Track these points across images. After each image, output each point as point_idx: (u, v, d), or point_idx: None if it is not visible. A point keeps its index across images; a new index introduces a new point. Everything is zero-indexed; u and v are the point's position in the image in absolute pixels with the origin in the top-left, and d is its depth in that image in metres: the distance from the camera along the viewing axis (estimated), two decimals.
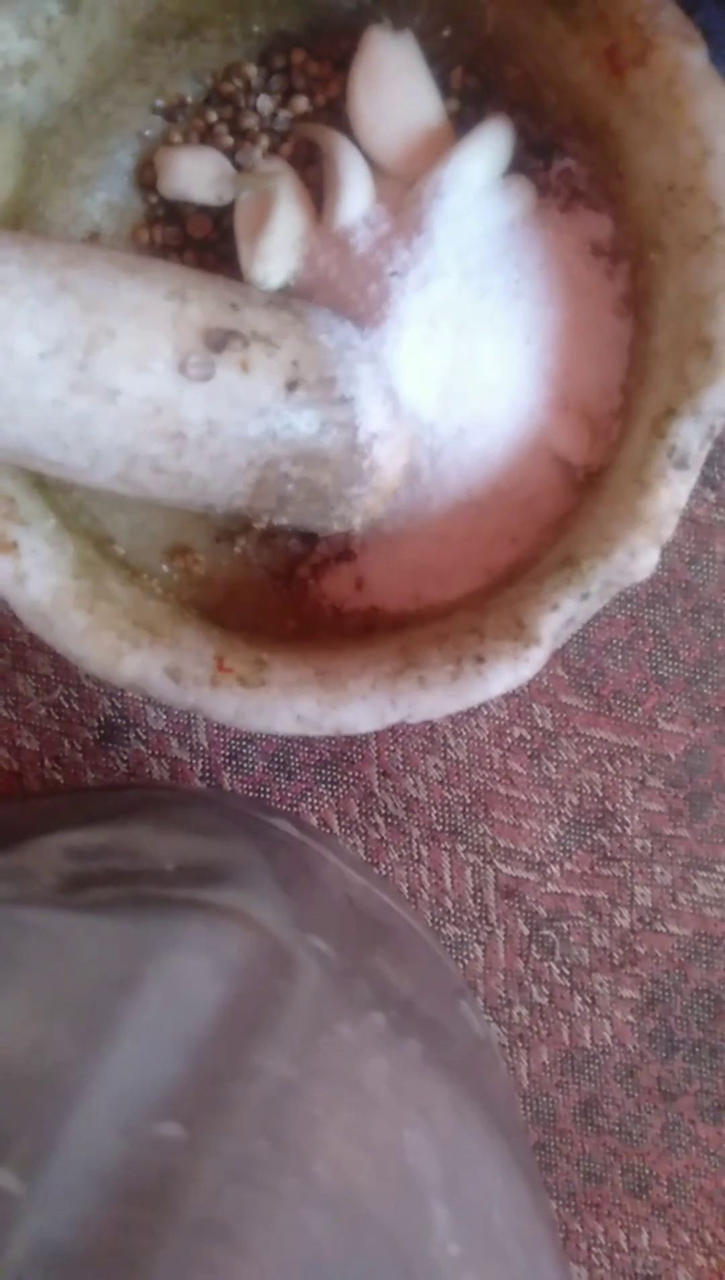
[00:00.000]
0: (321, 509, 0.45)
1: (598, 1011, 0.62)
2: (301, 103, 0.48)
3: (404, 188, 0.47)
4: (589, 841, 0.60)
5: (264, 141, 0.48)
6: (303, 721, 0.42)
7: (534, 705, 0.59)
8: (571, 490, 0.47)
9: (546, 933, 0.61)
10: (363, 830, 0.60)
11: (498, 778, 0.59)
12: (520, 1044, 0.62)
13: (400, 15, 0.47)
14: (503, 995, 0.62)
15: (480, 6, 0.46)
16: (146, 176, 0.49)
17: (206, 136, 0.49)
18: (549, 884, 0.60)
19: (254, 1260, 0.29)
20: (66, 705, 0.59)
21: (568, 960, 0.61)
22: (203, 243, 0.49)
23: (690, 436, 0.42)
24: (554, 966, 0.61)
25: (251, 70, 0.49)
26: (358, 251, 0.46)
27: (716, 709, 0.59)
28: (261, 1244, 0.30)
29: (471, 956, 0.61)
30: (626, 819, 0.60)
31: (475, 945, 0.61)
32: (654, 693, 0.59)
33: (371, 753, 0.59)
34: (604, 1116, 0.62)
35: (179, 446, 0.41)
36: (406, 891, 0.61)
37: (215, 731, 0.59)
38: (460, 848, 0.60)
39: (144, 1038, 0.33)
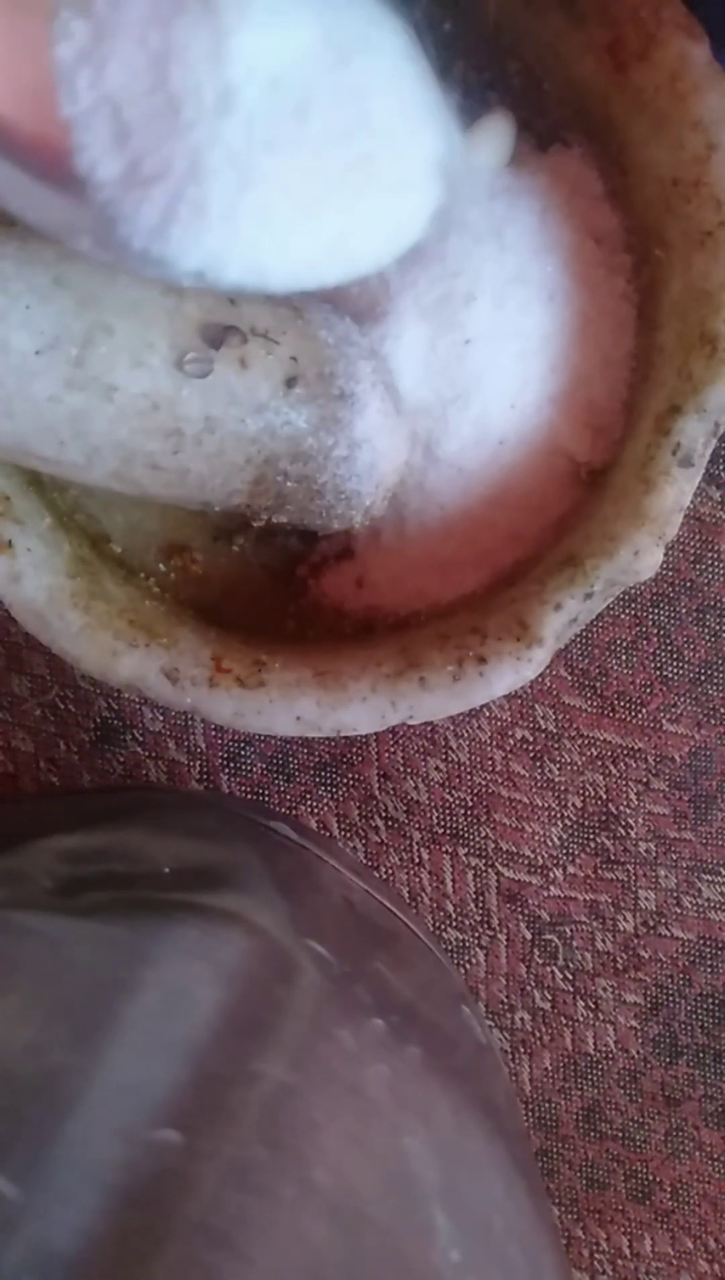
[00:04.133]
0: (321, 507, 0.44)
1: (601, 1017, 0.61)
2: None
3: None
4: (592, 845, 0.60)
5: None
6: (302, 723, 0.42)
7: (536, 706, 0.59)
8: (575, 488, 0.46)
9: (549, 937, 0.61)
10: (363, 833, 0.60)
11: (500, 780, 0.59)
12: (523, 1049, 0.62)
13: (400, 8, 0.47)
14: (505, 1000, 0.61)
15: (482, 0, 0.46)
16: None
17: None
18: (552, 888, 0.60)
19: (253, 1266, 0.29)
20: (62, 706, 0.59)
21: (571, 965, 0.61)
22: None
23: (695, 434, 0.42)
24: (557, 971, 0.61)
25: None
26: None
27: (722, 710, 0.59)
28: (261, 1250, 0.29)
29: (473, 961, 0.61)
30: (630, 822, 0.60)
31: (477, 950, 0.61)
32: (658, 694, 0.59)
33: (372, 755, 0.59)
34: (607, 1122, 0.62)
35: (176, 443, 0.40)
36: (407, 895, 0.60)
37: (213, 733, 0.59)
38: (462, 851, 0.60)
39: (141, 1042, 0.32)
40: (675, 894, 0.60)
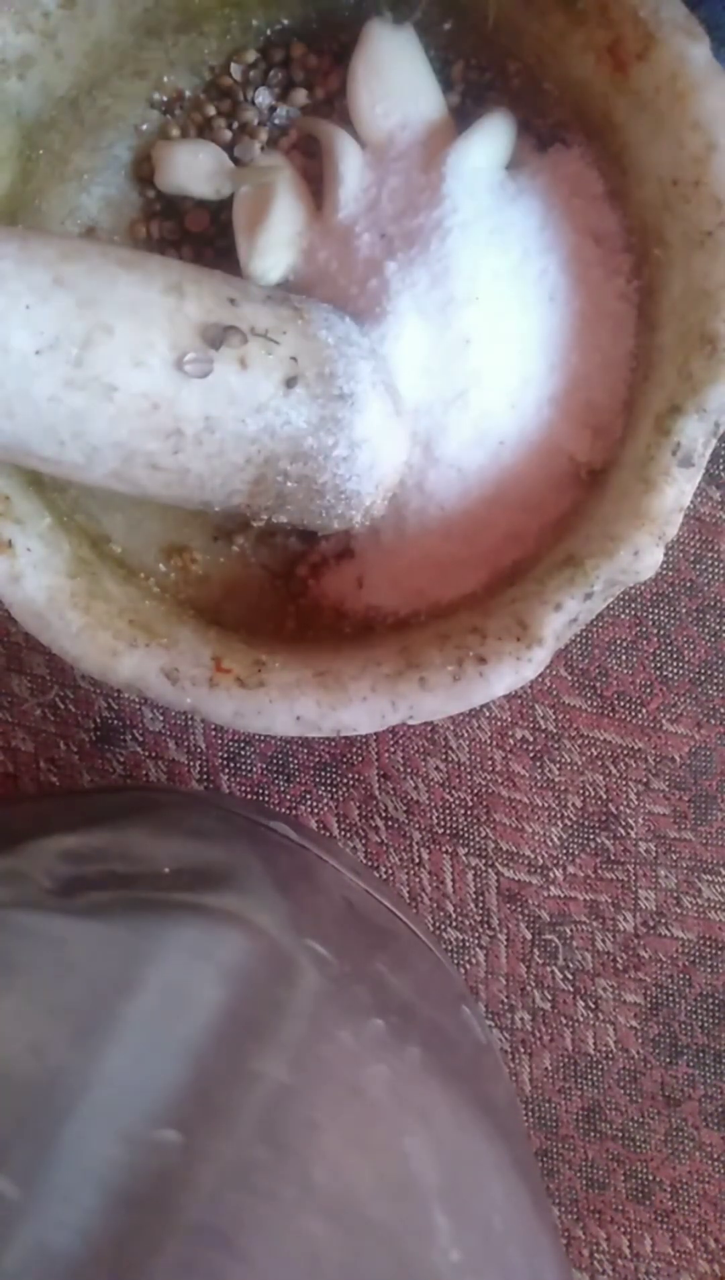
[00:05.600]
0: (321, 507, 0.44)
1: (601, 1017, 0.61)
2: (301, 96, 0.48)
3: (404, 181, 0.47)
4: (592, 845, 0.60)
5: (263, 135, 0.48)
6: (302, 723, 0.42)
7: (537, 706, 0.59)
8: (575, 488, 0.46)
9: (549, 937, 0.60)
10: (363, 833, 0.60)
11: (500, 780, 0.59)
12: (523, 1049, 0.62)
13: (401, 8, 0.47)
14: (505, 1000, 0.61)
15: (482, 0, 0.46)
16: (144, 171, 0.49)
17: (205, 130, 0.48)
18: (552, 888, 0.60)
19: (253, 1266, 0.29)
20: (62, 706, 0.59)
21: (571, 965, 0.61)
22: (200, 237, 0.49)
23: (695, 434, 0.41)
24: (557, 971, 0.61)
25: (250, 63, 0.48)
26: (358, 246, 0.46)
27: (722, 710, 0.59)
28: (260, 1250, 0.29)
29: (473, 961, 0.61)
30: (630, 822, 0.59)
31: (477, 950, 0.61)
32: (658, 694, 0.59)
33: (372, 755, 0.59)
34: (607, 1122, 0.62)
35: (176, 443, 0.40)
36: (407, 895, 0.60)
37: (213, 733, 0.59)
38: (462, 851, 0.60)
39: (142, 1042, 0.32)
40: (675, 894, 0.60)
